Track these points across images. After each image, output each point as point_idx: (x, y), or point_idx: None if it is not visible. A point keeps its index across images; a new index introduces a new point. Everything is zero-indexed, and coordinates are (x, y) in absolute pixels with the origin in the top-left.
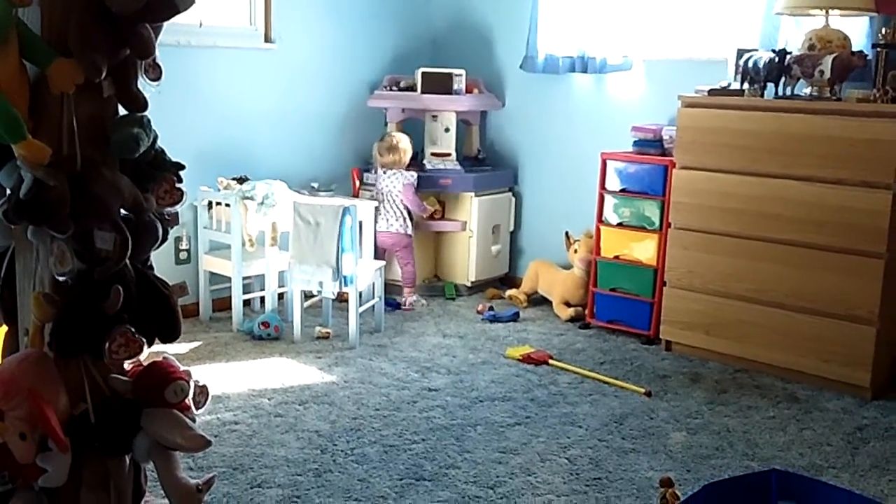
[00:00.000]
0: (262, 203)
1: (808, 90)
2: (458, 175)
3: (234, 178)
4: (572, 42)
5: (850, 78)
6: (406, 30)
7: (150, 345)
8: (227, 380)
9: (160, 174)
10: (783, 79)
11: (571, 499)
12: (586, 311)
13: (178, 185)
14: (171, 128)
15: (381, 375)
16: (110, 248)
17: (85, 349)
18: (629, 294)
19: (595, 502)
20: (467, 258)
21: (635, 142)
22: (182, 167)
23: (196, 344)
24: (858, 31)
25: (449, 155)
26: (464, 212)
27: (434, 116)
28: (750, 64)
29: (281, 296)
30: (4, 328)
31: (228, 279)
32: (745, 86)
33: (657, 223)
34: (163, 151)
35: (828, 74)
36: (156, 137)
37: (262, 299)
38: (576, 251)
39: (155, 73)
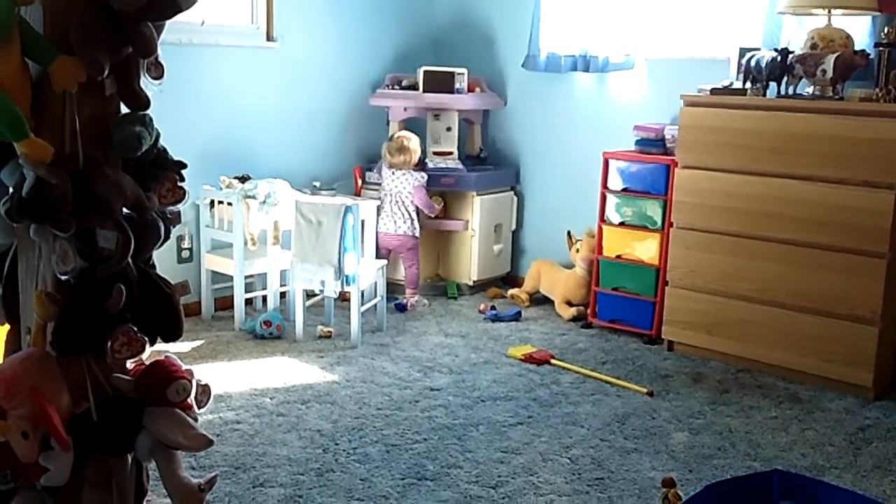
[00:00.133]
0: (264, 202)
1: (810, 89)
2: (459, 174)
3: (236, 177)
4: (574, 41)
5: (853, 77)
6: (408, 28)
7: (152, 344)
8: (229, 379)
9: (162, 173)
10: (785, 78)
11: (573, 499)
12: (588, 311)
13: (180, 183)
14: (173, 126)
15: (383, 375)
16: (112, 247)
17: (87, 348)
18: (631, 293)
19: (597, 502)
20: (469, 257)
21: (637, 141)
22: (184, 166)
23: (198, 343)
24: (861, 30)
25: (451, 154)
26: (466, 211)
27: (436, 115)
28: (752, 63)
29: (283, 295)
30: (7, 327)
31: (230, 278)
32: (748, 85)
33: (659, 222)
34: (165, 150)
35: (830, 74)
36: (158, 136)
37: (265, 298)
38: (578, 250)
39: (157, 72)
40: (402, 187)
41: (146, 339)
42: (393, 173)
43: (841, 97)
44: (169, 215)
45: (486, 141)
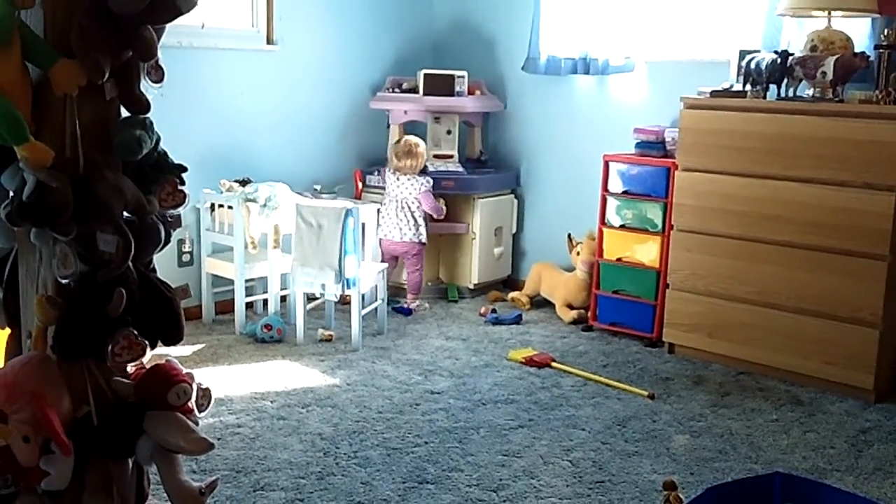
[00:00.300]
0: (264, 205)
1: (810, 92)
2: (460, 177)
3: (236, 181)
4: (574, 43)
5: (853, 79)
6: (408, 31)
7: (152, 347)
8: (230, 382)
9: (163, 176)
10: (785, 80)
11: (574, 502)
12: (589, 314)
13: (180, 187)
14: (173, 130)
15: (384, 378)
16: (113, 251)
17: (88, 352)
18: (632, 296)
19: None
20: (470, 261)
21: (637, 143)
22: (185, 169)
23: (199, 346)
24: (861, 32)
25: (451, 157)
26: (466, 214)
27: (436, 118)
28: (752, 65)
29: (283, 298)
30: (7, 331)
31: (231, 282)
32: (748, 87)
33: (659, 225)
34: (165, 154)
35: (830, 76)
36: (158, 139)
37: (265, 302)
38: (578, 253)
39: (157, 75)
40: (407, 193)
41: (147, 342)
42: (398, 179)
43: (841, 99)
44: (169, 219)
45: (486, 144)
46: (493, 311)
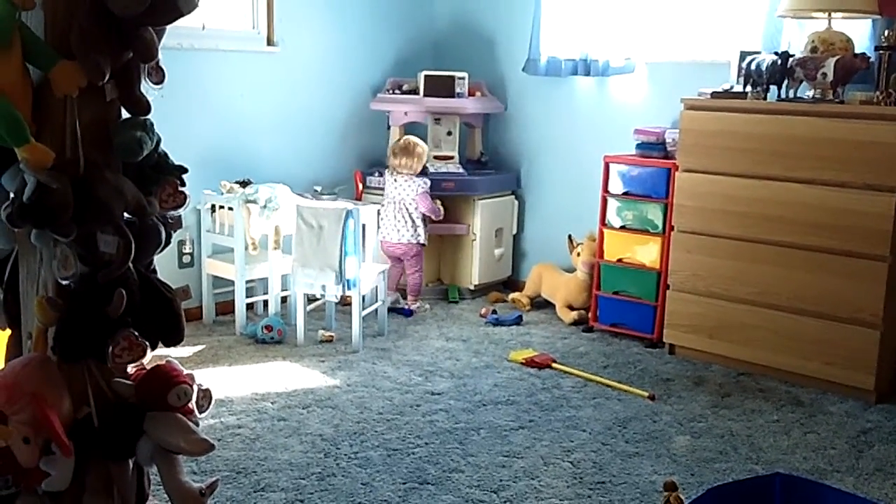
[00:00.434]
0: (265, 206)
1: (810, 93)
2: (460, 178)
3: (237, 182)
4: (575, 45)
5: (853, 80)
6: (408, 33)
7: (153, 348)
8: (231, 383)
9: (163, 177)
10: (786, 81)
11: (575, 503)
12: (589, 315)
13: (181, 188)
14: (174, 131)
15: (385, 379)
16: (113, 252)
17: (88, 353)
18: (632, 297)
19: None
20: (470, 262)
21: (638, 144)
22: (185, 170)
23: (199, 347)
24: (861, 33)
25: (452, 158)
26: (467, 215)
27: (437, 119)
28: (753, 66)
29: (284, 299)
30: (8, 332)
31: (231, 283)
32: (748, 88)
33: (660, 226)
34: (166, 155)
35: (831, 77)
36: (159, 141)
37: (266, 303)
38: (579, 254)
39: (158, 77)
40: (405, 194)
41: (147, 343)
42: (395, 180)
43: (841, 100)
44: (170, 220)
45: (486, 145)
46: (494, 312)
